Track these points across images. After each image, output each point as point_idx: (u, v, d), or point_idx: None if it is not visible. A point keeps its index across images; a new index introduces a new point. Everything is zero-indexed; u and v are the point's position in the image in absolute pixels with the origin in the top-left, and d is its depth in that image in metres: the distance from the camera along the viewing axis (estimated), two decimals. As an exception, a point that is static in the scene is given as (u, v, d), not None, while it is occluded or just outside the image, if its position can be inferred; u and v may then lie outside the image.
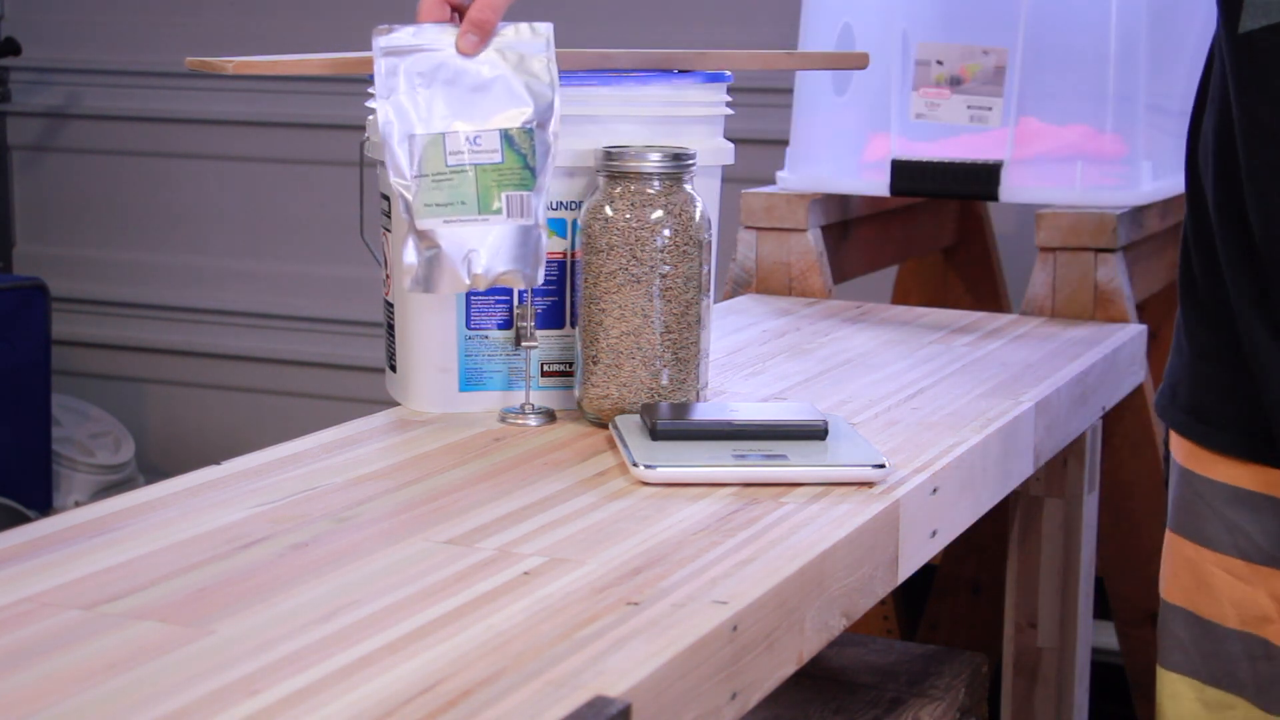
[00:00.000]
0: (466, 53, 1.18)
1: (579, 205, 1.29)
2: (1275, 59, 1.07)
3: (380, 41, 1.17)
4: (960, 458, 1.20)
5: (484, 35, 1.18)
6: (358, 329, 3.23)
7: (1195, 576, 1.22)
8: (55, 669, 0.79)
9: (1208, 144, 1.17)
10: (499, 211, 1.16)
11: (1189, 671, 1.23)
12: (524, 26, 1.19)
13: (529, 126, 1.17)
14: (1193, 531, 1.22)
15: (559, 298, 1.29)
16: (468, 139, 1.16)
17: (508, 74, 1.18)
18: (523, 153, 1.17)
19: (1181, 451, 1.24)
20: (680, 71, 1.33)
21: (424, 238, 1.16)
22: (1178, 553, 1.24)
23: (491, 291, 1.26)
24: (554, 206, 1.28)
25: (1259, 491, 1.18)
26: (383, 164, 1.31)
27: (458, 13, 1.20)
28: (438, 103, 1.16)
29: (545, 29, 1.20)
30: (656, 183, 1.22)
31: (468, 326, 1.28)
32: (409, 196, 1.16)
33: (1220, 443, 1.20)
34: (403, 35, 1.17)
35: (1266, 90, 1.08)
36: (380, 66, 1.16)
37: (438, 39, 1.18)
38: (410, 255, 1.16)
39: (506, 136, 1.17)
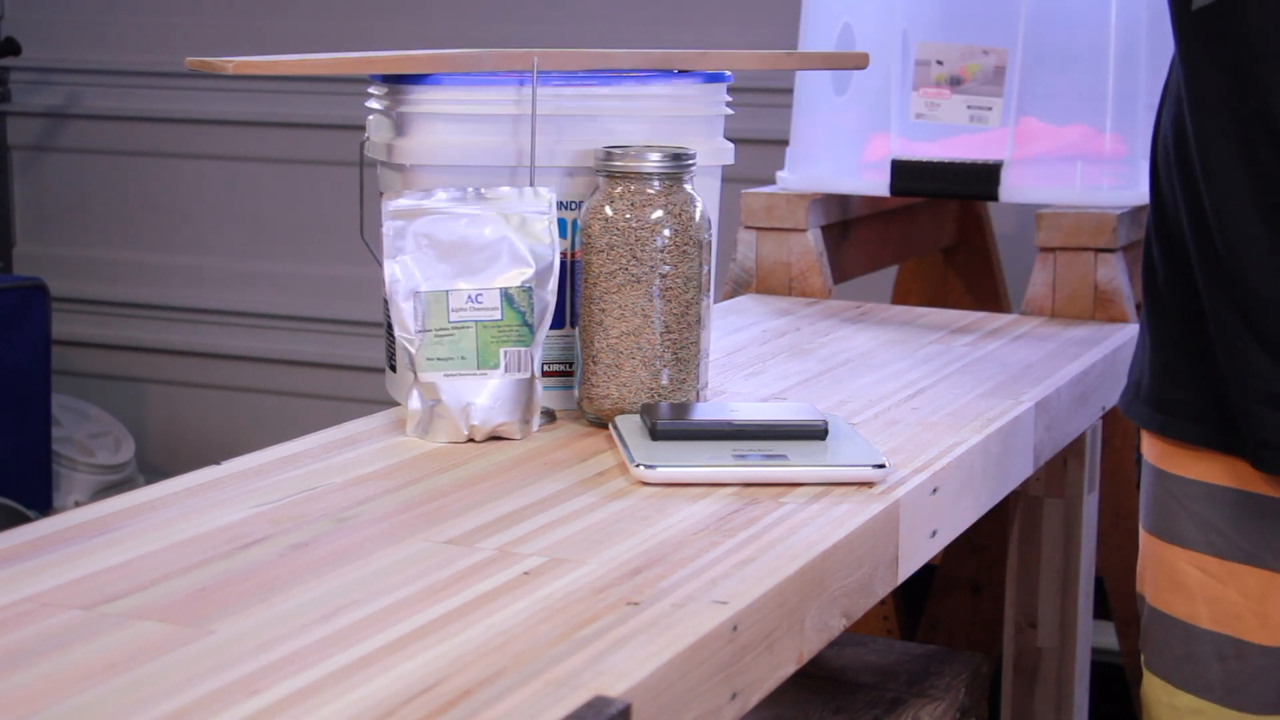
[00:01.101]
0: None
1: (579, 205, 1.29)
2: (1228, 30, 1.10)
3: (389, 206, 1.23)
4: (960, 458, 1.20)
5: None
6: (358, 329, 3.23)
7: (1169, 577, 1.23)
8: (55, 669, 0.79)
9: (1166, 136, 1.19)
10: (497, 366, 1.22)
11: (1163, 675, 1.24)
12: (528, 191, 1.24)
13: (528, 286, 1.22)
14: (1165, 531, 1.23)
15: (559, 298, 1.28)
16: (470, 297, 1.22)
17: (511, 235, 1.23)
18: (521, 310, 1.22)
19: (1153, 451, 1.25)
20: (680, 71, 1.33)
21: (426, 388, 1.21)
22: (1152, 554, 1.25)
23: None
24: (554, 207, 1.28)
25: (1229, 486, 1.19)
26: (382, 164, 1.31)
27: None
28: (442, 262, 1.22)
29: (547, 193, 1.24)
30: (656, 183, 1.22)
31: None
32: (413, 350, 1.21)
33: (1184, 433, 1.21)
34: (410, 200, 1.23)
35: (1219, 62, 1.10)
36: (388, 229, 1.22)
37: (443, 203, 1.23)
38: (415, 403, 1.22)
39: (506, 295, 1.22)
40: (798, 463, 1.12)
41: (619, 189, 1.23)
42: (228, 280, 3.38)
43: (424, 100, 1.27)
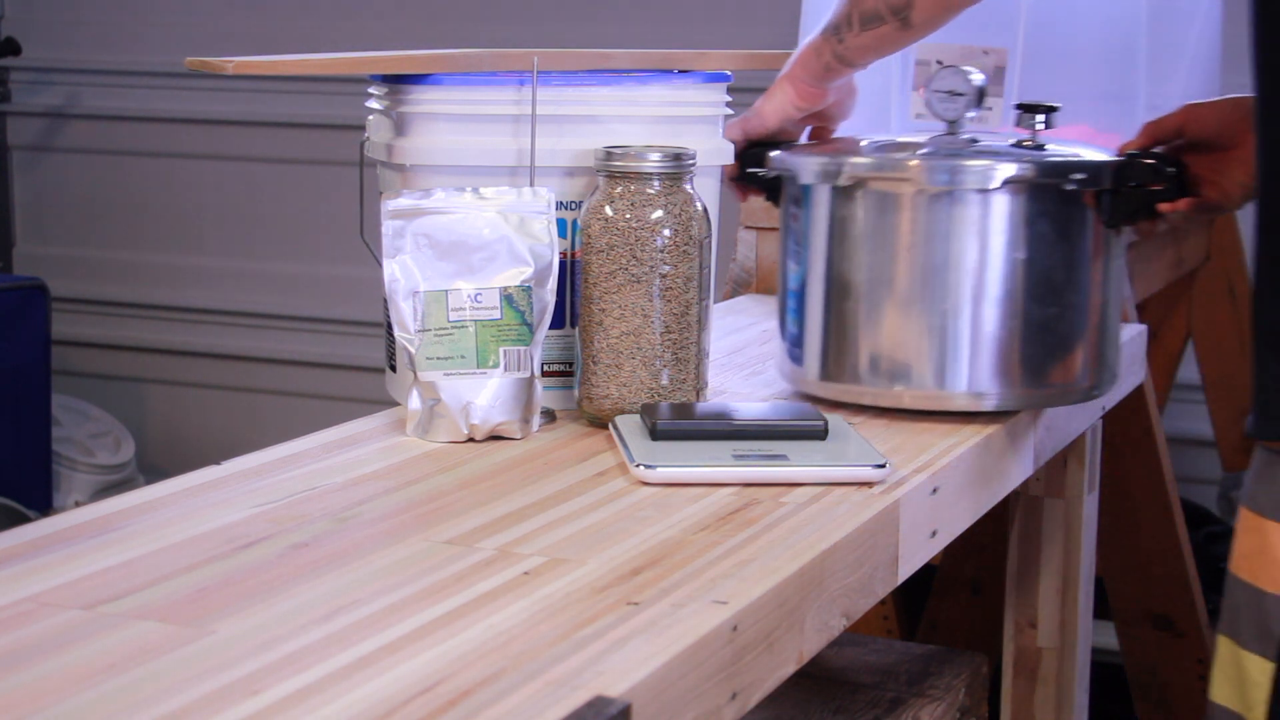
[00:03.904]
0: None
1: (579, 205, 1.29)
2: None
3: (388, 205, 1.23)
4: (960, 458, 1.20)
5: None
6: (358, 329, 3.23)
7: (1261, 551, 1.22)
8: (55, 669, 0.79)
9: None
10: (497, 365, 1.22)
11: (1231, 634, 1.24)
12: (526, 190, 1.24)
13: (527, 285, 1.22)
14: (1267, 507, 1.21)
15: (559, 298, 1.28)
16: (469, 296, 1.22)
17: (510, 235, 1.23)
18: (520, 309, 1.22)
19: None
20: (680, 71, 1.33)
21: (426, 388, 1.21)
22: (1249, 527, 1.24)
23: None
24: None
25: None
26: (382, 164, 1.31)
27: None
28: (441, 262, 1.22)
29: (546, 193, 1.24)
30: (656, 183, 1.22)
31: (468, 326, 1.28)
32: (412, 350, 1.21)
33: None
34: (410, 200, 1.23)
35: None
36: (388, 229, 1.22)
37: (442, 203, 1.23)
38: (414, 402, 1.22)
39: (506, 295, 1.22)
40: (798, 463, 1.12)
41: (619, 189, 1.23)
42: (228, 280, 3.38)
43: (424, 100, 1.27)
